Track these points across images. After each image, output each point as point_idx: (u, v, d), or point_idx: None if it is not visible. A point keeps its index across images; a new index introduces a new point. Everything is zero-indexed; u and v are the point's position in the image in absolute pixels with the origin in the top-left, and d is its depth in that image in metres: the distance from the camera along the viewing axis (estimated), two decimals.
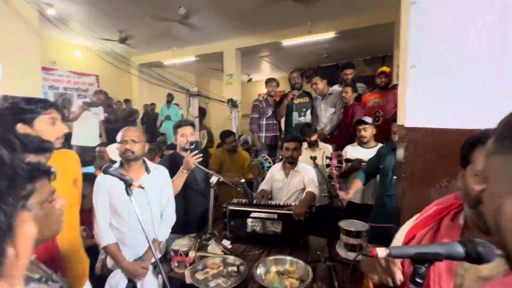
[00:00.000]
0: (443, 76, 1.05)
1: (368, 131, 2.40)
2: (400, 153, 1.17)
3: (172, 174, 1.73)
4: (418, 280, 0.54)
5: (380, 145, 2.38)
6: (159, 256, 1.52)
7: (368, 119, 2.42)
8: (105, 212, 1.47)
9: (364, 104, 3.13)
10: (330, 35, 4.99)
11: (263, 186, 2.25)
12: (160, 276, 1.44)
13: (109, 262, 1.50)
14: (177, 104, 6.13)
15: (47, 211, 0.63)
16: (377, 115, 3.01)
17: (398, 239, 0.86)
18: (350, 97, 2.97)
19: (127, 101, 6.63)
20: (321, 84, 3.19)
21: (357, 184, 2.06)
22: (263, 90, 4.08)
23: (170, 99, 5.97)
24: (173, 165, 1.82)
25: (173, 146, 3.43)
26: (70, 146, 3.81)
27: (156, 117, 6.27)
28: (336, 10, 4.29)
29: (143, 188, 1.11)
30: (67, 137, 3.83)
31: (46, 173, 0.64)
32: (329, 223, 1.64)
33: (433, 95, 1.05)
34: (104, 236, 1.44)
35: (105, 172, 1.15)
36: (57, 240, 1.12)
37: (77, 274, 1.26)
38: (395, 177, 1.91)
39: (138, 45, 5.65)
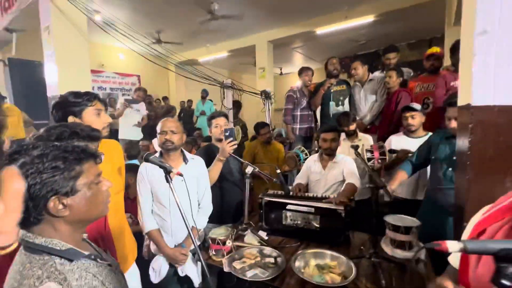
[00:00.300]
0: None
1: (416, 119, 2.15)
2: (464, 139, 1.00)
3: (208, 164, 1.75)
4: (505, 282, 0.44)
5: (430, 134, 2.13)
6: (198, 243, 1.55)
7: (417, 106, 2.17)
8: (147, 199, 1.54)
9: (411, 90, 2.83)
10: (369, 19, 4.64)
11: (299, 179, 2.18)
12: (199, 262, 1.47)
13: (152, 247, 1.58)
14: (211, 100, 6.28)
15: (95, 191, 0.65)
16: (426, 102, 2.70)
17: (465, 235, 0.74)
18: (394, 82, 2.71)
19: (165, 98, 7.00)
20: (361, 69, 2.96)
21: (401, 175, 1.85)
22: (296, 83, 3.94)
23: (204, 95, 6.13)
24: (209, 156, 1.84)
25: (208, 139, 3.52)
26: (118, 141, 4.13)
27: (193, 113, 6.51)
28: None
29: (181, 175, 1.12)
30: (115, 132, 4.16)
31: (92, 155, 0.67)
32: (372, 217, 1.51)
33: (511, 66, 0.87)
34: (147, 222, 1.52)
35: (146, 160, 1.19)
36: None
37: (124, 255, 1.34)
38: (450, 169, 1.70)
39: (175, 44, 5.89)
